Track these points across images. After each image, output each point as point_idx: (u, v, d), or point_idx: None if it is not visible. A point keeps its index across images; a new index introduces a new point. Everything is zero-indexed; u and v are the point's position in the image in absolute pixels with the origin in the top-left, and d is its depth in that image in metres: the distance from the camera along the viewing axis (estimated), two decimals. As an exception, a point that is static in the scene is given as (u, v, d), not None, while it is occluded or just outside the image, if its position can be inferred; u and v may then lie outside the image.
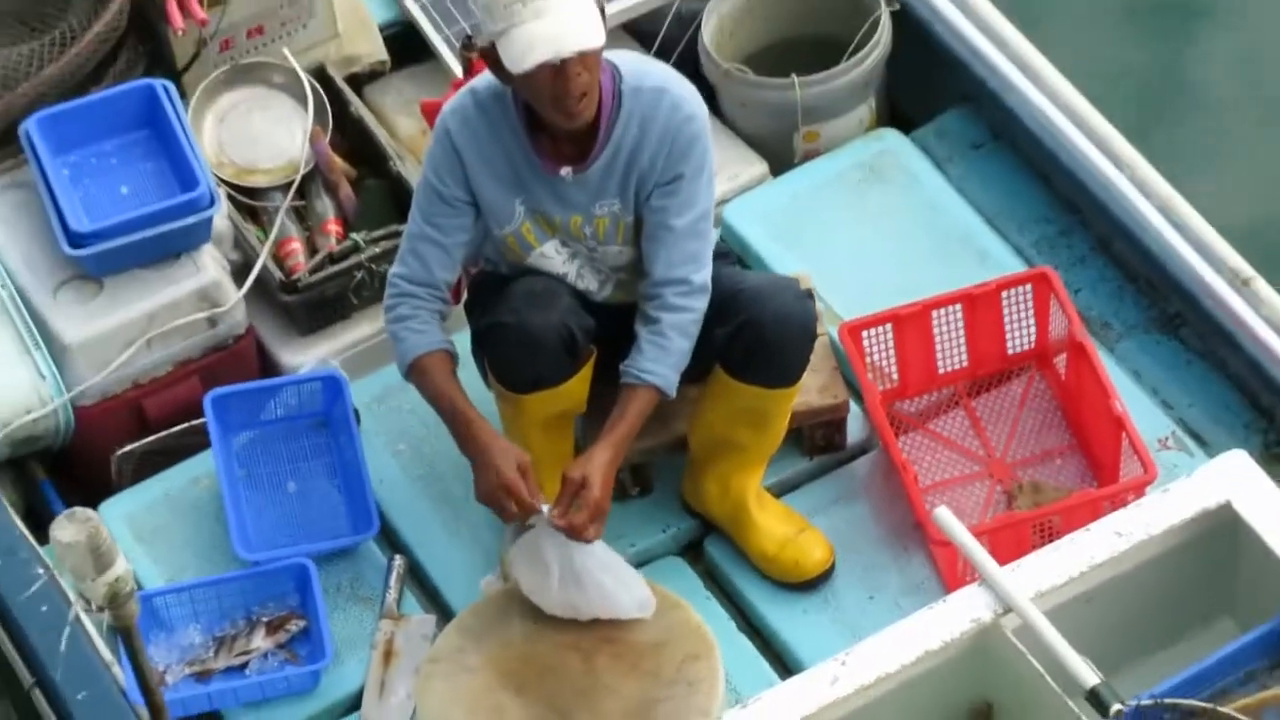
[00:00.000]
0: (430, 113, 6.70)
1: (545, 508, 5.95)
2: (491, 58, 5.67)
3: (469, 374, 6.14)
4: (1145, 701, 5.26)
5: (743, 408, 6.11)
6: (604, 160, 5.87)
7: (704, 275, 5.95)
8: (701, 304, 5.94)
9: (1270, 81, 8.21)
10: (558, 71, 5.57)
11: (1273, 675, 5.45)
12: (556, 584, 5.95)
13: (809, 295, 6.13)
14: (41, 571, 6.22)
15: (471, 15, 7.17)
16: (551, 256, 6.03)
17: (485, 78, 5.90)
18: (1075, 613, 5.53)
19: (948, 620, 5.49)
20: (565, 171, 5.88)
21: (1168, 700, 5.28)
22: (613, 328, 6.07)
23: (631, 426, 5.92)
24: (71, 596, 4.92)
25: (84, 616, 6.13)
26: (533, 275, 6.04)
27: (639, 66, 5.93)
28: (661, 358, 5.90)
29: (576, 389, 6.08)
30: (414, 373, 5.99)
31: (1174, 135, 7.78)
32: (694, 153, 5.88)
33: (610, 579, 5.97)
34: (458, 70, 7.02)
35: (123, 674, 5.90)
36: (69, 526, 4.81)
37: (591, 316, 6.05)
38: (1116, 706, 5.24)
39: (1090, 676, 5.31)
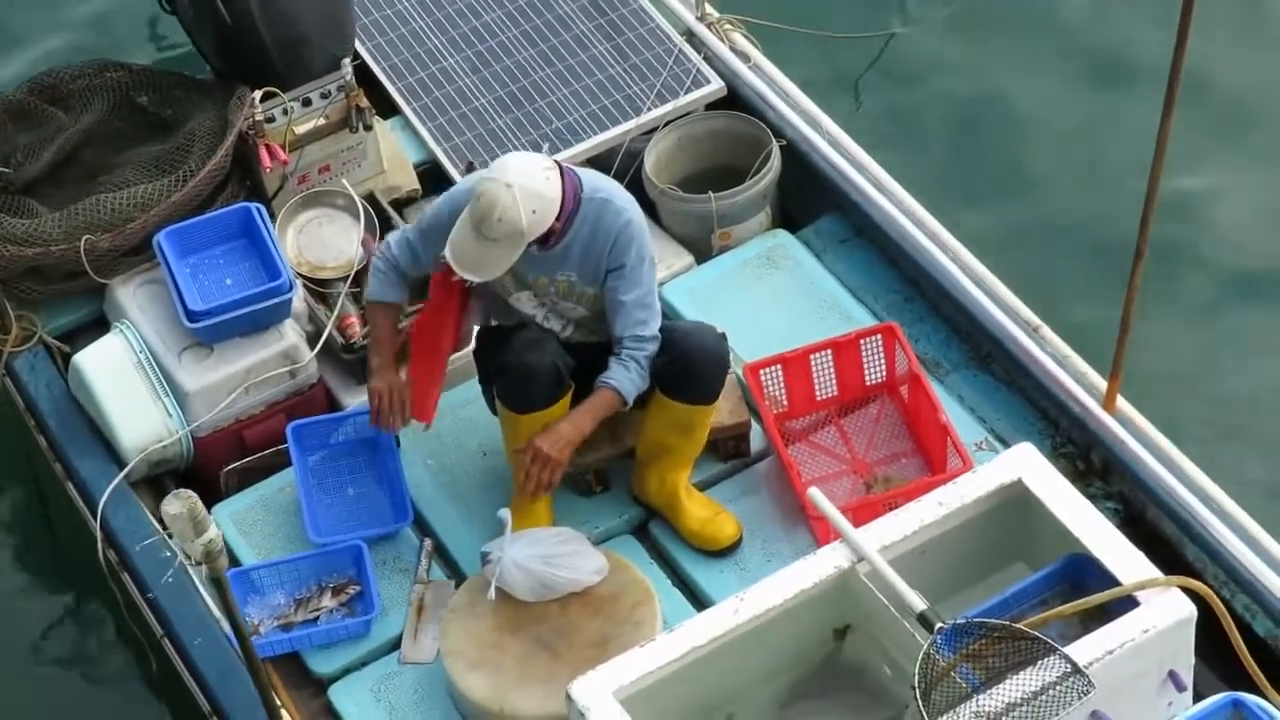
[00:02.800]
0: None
1: (509, 530, 5.94)
2: None
3: (480, 409, 6.18)
4: (960, 621, 5.23)
5: (674, 420, 6.09)
6: (563, 244, 5.88)
7: (652, 329, 5.95)
8: (653, 347, 5.94)
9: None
10: None
11: (1054, 602, 5.42)
12: (530, 596, 5.94)
13: (723, 336, 6.13)
14: (169, 555, 6.23)
15: (476, 155, 7.19)
16: (525, 303, 6.05)
17: None
18: (911, 560, 5.47)
19: (817, 567, 5.43)
20: (533, 248, 5.87)
21: (976, 620, 5.24)
22: (582, 365, 6.06)
23: (591, 413, 5.93)
24: (178, 554, 4.90)
25: (197, 580, 6.15)
26: (527, 328, 6.04)
27: (594, 181, 5.95)
28: (623, 373, 5.90)
29: (559, 412, 6.05)
30: (370, 308, 6.22)
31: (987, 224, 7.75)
32: (632, 246, 5.89)
33: (572, 558, 5.96)
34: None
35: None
36: (175, 503, 4.79)
37: (572, 358, 6.05)
38: (939, 625, 5.20)
39: (919, 604, 5.26)
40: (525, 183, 5.66)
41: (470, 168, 6.96)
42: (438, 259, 5.94)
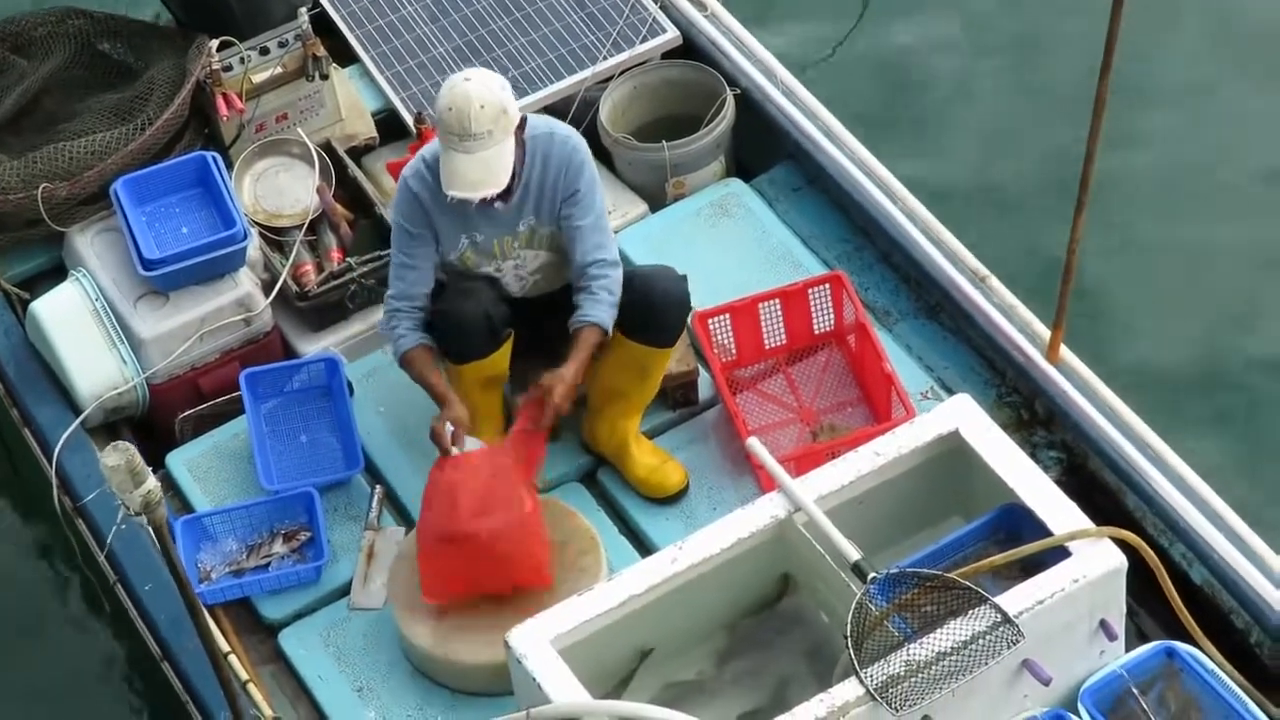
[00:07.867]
0: (395, 170, 6.71)
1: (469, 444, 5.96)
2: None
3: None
4: (893, 571, 5.26)
5: (632, 361, 6.08)
6: (520, 190, 5.90)
7: (613, 253, 5.98)
8: (617, 272, 5.96)
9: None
10: None
11: (988, 552, 5.45)
12: None
13: (684, 278, 6.13)
14: (119, 503, 6.23)
15: (433, 103, 7.17)
16: (505, 271, 6.07)
17: (432, 146, 5.92)
18: (849, 511, 5.50)
19: (755, 517, 5.47)
20: (498, 205, 5.90)
21: (910, 570, 5.27)
22: (533, 316, 6.08)
23: (583, 357, 5.91)
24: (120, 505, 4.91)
25: (148, 529, 6.15)
26: (464, 278, 6.06)
27: (534, 120, 5.98)
28: (595, 305, 5.91)
29: (499, 361, 6.08)
30: (404, 364, 6.04)
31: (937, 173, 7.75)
32: (583, 171, 5.94)
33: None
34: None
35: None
36: (113, 454, 4.77)
37: (509, 307, 6.06)
38: (872, 574, 5.24)
39: (853, 554, 5.29)
40: (479, 73, 5.73)
41: (420, 118, 6.95)
42: (443, 253, 6.00)
